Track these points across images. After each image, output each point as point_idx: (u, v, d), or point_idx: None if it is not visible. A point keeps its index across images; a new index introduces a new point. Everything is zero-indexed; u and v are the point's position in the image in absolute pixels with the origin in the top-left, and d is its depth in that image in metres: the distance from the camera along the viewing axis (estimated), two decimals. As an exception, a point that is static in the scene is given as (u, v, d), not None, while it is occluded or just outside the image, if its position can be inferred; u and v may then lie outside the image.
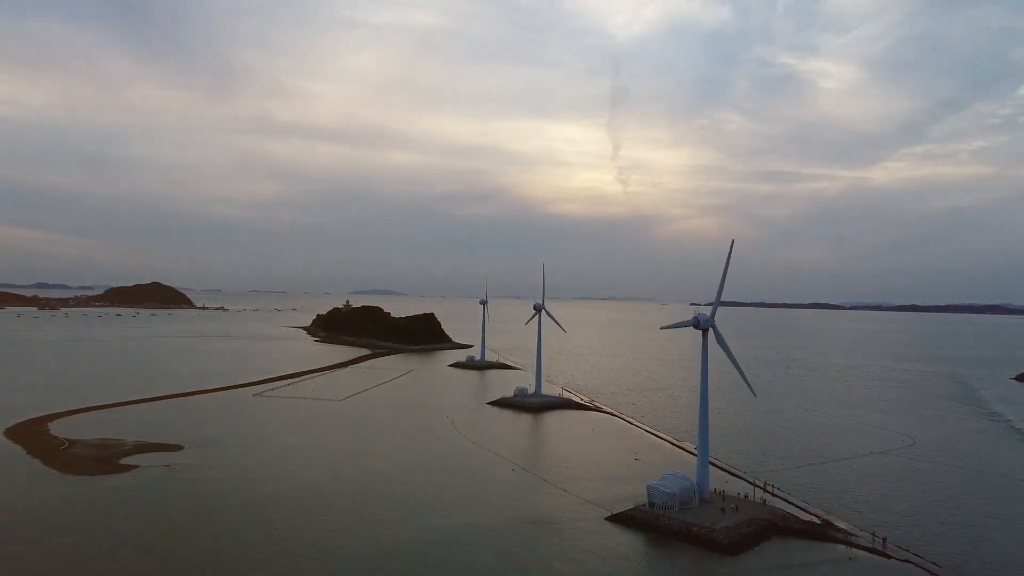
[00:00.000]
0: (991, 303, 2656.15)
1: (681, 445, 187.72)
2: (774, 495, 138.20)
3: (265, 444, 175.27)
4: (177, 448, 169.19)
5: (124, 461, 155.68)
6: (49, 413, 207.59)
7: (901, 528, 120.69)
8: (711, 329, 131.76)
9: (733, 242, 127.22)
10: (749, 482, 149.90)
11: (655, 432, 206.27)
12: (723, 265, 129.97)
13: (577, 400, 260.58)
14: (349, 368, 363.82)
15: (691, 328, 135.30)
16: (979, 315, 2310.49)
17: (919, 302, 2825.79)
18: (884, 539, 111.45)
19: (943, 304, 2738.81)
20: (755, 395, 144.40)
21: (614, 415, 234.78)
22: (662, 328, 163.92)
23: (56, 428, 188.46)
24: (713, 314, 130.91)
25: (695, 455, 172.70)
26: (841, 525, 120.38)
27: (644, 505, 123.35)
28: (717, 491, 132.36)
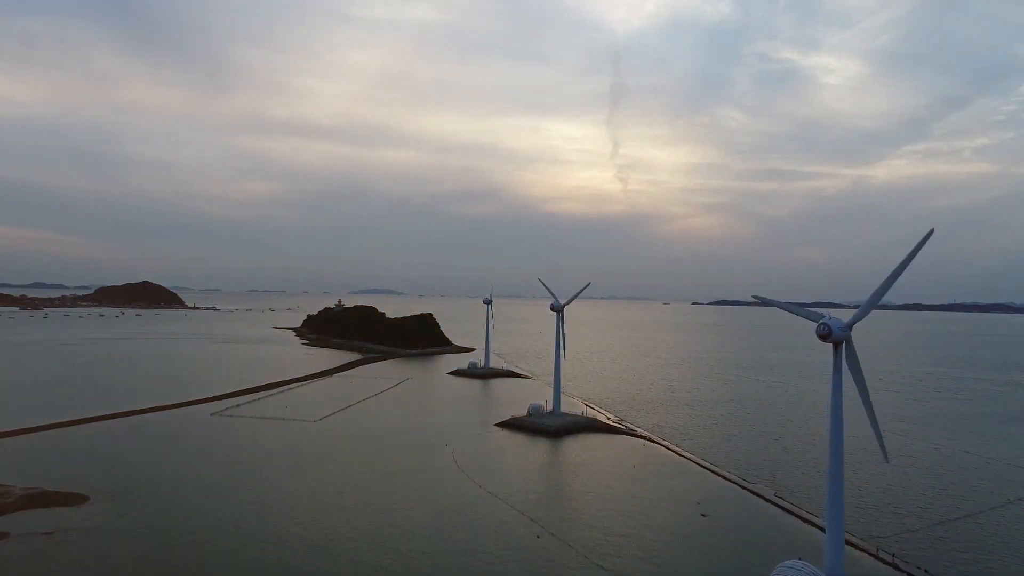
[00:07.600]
0: (996, 302, 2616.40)
1: (755, 491, 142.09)
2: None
3: (198, 490, 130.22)
4: (79, 500, 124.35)
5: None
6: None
7: None
8: (846, 343, 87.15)
9: (932, 231, 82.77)
10: (873, 556, 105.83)
11: (713, 468, 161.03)
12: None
13: (604, 420, 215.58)
14: (335, 377, 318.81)
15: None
16: (985, 314, 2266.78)
17: (923, 301, 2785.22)
18: None
19: (947, 303, 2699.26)
20: (887, 460, 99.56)
21: (653, 441, 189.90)
22: (775, 305, 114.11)
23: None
24: (855, 320, 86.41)
25: (783, 508, 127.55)
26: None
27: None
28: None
